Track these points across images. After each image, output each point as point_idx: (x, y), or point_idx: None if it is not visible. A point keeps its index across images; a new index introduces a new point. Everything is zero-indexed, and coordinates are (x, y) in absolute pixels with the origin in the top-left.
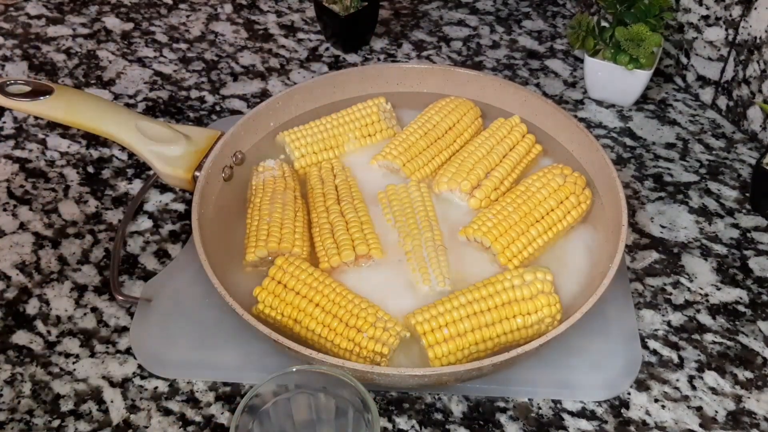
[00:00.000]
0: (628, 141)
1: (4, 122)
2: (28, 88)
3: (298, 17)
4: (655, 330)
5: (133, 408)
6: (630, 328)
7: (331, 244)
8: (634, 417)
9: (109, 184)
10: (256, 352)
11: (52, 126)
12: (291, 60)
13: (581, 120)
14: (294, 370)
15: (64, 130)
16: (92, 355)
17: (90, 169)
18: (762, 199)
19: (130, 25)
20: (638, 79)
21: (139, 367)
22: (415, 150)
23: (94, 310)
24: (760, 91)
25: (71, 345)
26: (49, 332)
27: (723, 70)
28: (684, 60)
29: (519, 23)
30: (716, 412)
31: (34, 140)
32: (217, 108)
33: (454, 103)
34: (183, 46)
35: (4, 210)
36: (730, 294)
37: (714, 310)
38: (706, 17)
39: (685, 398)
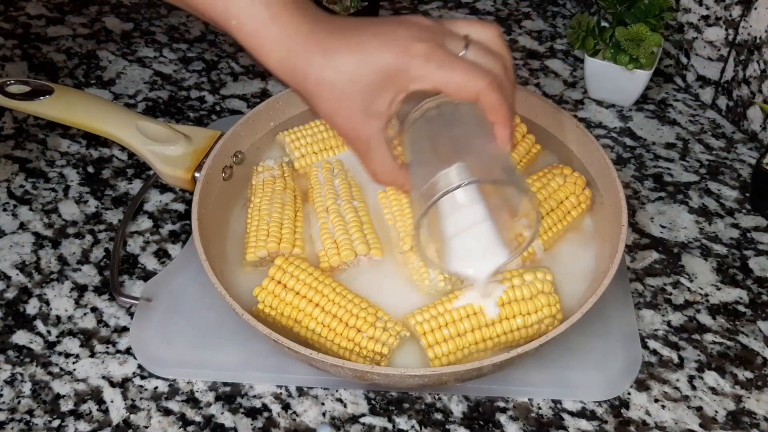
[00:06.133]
0: (628, 141)
1: (4, 122)
2: (28, 88)
3: None
4: (655, 330)
5: (133, 408)
6: (630, 328)
7: (331, 244)
8: (634, 417)
9: (109, 184)
10: (256, 352)
11: (52, 126)
12: None
13: (581, 120)
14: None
15: (64, 130)
16: (92, 355)
17: (90, 169)
18: (762, 199)
19: (130, 25)
20: (638, 79)
21: (139, 367)
22: None
23: (94, 310)
24: (760, 91)
25: (71, 345)
26: (49, 332)
27: (723, 70)
28: (684, 60)
29: (519, 23)
30: (716, 412)
31: (34, 140)
32: (217, 108)
33: None
34: (183, 46)
35: (4, 210)
36: (730, 294)
37: (714, 310)
38: (706, 17)
39: (685, 398)
